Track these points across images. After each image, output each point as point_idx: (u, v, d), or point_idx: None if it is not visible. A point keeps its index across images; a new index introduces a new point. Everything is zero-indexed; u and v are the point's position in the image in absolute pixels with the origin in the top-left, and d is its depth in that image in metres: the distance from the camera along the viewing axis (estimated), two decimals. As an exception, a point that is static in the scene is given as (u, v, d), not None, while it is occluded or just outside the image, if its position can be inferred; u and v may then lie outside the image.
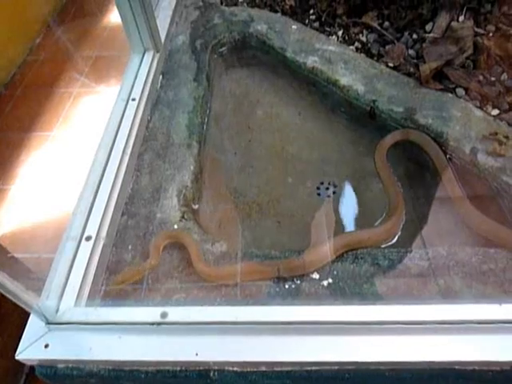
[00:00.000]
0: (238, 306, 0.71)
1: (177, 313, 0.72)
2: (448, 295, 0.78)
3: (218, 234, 0.97)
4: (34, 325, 0.75)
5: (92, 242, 0.84)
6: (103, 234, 0.87)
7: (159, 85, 1.27)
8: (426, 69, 1.19)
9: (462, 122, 1.09)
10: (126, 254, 0.90)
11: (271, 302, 0.78)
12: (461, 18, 1.35)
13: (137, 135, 1.07)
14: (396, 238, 0.93)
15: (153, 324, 0.71)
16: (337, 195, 1.11)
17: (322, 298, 0.79)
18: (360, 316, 0.69)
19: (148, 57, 1.25)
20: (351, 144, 1.22)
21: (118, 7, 1.15)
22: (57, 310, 0.75)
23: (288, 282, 0.82)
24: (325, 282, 0.82)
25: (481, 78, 1.21)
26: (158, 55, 1.28)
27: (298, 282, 0.82)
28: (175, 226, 0.93)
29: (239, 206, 1.10)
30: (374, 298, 0.80)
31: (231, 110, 1.34)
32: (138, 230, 0.93)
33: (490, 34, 1.31)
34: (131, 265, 0.85)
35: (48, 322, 0.73)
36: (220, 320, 0.70)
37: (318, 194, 1.12)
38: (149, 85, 1.19)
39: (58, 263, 0.82)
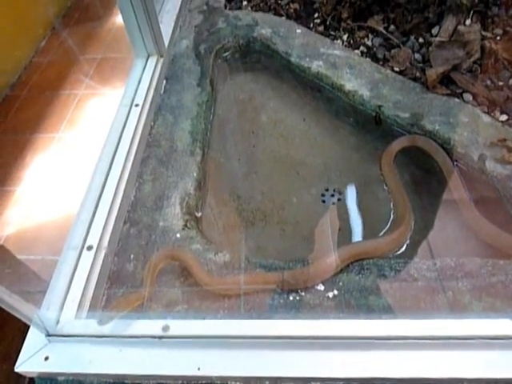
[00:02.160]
0: (241, 320, 0.70)
1: (179, 326, 0.71)
2: (457, 308, 0.76)
3: (221, 243, 0.95)
4: (33, 336, 0.74)
5: (93, 251, 0.83)
6: (105, 243, 0.86)
7: (163, 90, 1.26)
8: (432, 73, 1.16)
9: (470, 127, 1.07)
10: (127, 264, 0.88)
11: (275, 316, 0.76)
12: (467, 22, 1.32)
13: (140, 141, 1.06)
14: (404, 247, 0.91)
15: (154, 337, 0.70)
16: (342, 202, 1.09)
17: (327, 311, 0.77)
18: (366, 331, 0.68)
19: (152, 62, 1.24)
20: (356, 150, 1.20)
21: (121, 12, 1.14)
22: (57, 322, 0.74)
23: (292, 294, 0.81)
24: (330, 294, 0.80)
25: (488, 82, 1.19)
26: (161, 60, 1.27)
27: (303, 293, 0.81)
28: (178, 235, 0.92)
29: (243, 214, 1.09)
30: (381, 310, 0.78)
31: (235, 116, 1.33)
32: (140, 239, 0.92)
33: (498, 38, 1.29)
34: (125, 294, 0.82)
35: (48, 334, 0.72)
36: (223, 334, 0.68)
37: (323, 201, 1.11)
38: (152, 90, 1.18)
39: (59, 273, 0.81)
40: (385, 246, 0.89)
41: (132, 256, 0.90)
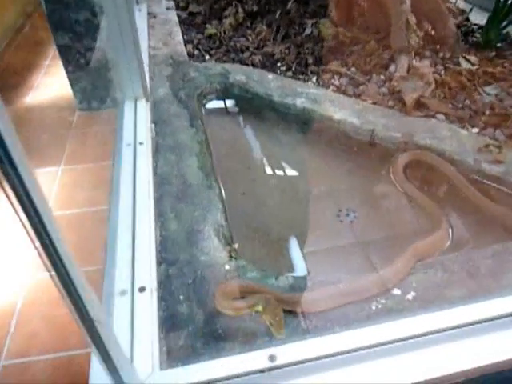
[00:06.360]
0: (356, 330, 0.63)
1: (286, 353, 0.61)
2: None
3: (269, 269, 0.88)
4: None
5: (148, 292, 0.70)
6: (154, 284, 0.73)
7: (154, 133, 1.19)
8: (410, 99, 1.31)
9: (455, 139, 1.20)
10: (179, 306, 0.76)
11: (367, 323, 0.70)
12: (414, 61, 1.54)
13: (153, 179, 0.97)
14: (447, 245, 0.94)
15: (262, 371, 0.59)
16: (359, 219, 1.11)
17: (414, 311, 0.74)
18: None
19: (140, 104, 1.19)
20: (357, 172, 1.25)
21: (113, 51, 1.10)
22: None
23: (374, 303, 0.76)
24: (409, 296, 0.78)
25: (450, 105, 1.37)
26: (148, 104, 1.22)
27: (383, 301, 0.77)
28: (227, 267, 0.83)
29: (269, 244, 1.04)
30: (458, 301, 0.77)
31: (230, 154, 1.31)
32: (185, 278, 0.81)
33: (442, 72, 1.52)
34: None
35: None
36: (344, 349, 0.61)
37: (341, 221, 1.11)
38: (149, 130, 1.11)
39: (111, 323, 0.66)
40: (439, 244, 0.90)
41: (182, 297, 0.77)
